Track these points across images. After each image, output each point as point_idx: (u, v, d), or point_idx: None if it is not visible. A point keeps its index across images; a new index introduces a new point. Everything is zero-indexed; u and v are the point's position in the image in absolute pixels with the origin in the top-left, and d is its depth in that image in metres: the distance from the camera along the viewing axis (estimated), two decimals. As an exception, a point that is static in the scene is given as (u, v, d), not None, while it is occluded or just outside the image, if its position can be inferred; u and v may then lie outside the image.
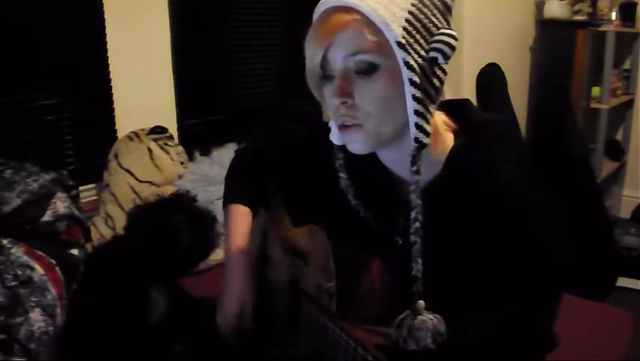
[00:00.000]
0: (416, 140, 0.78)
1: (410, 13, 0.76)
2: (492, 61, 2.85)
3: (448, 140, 0.86)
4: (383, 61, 0.77)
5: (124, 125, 2.05)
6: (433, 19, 0.78)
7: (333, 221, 0.93)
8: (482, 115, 0.89)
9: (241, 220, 1.13)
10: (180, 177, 2.02)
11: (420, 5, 0.77)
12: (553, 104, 3.17)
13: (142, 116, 2.05)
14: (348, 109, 0.79)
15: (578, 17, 3.18)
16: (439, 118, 0.86)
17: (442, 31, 0.77)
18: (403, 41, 0.75)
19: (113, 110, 2.05)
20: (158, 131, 1.99)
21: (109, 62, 2.00)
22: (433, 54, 0.76)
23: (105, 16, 1.97)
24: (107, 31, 1.98)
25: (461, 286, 0.81)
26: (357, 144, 0.82)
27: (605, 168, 3.35)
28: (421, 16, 0.76)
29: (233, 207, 1.14)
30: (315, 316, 0.96)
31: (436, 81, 0.79)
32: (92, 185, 2.01)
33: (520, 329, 0.81)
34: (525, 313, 0.81)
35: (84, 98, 1.98)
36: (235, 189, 1.18)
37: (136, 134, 1.95)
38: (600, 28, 3.08)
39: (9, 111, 1.82)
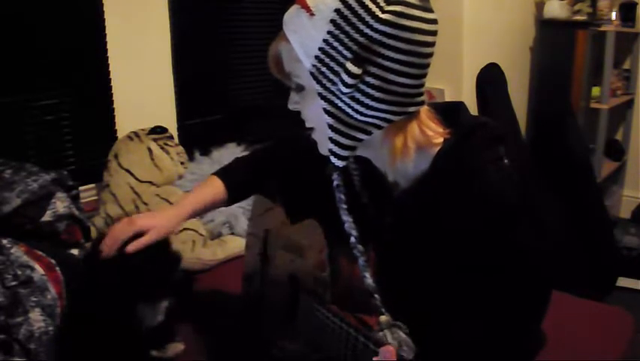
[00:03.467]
0: (332, 163, 0.82)
1: (325, 41, 0.76)
2: (492, 61, 2.85)
3: (430, 145, 0.84)
4: (308, 84, 0.80)
5: (124, 125, 2.05)
6: (346, 49, 0.75)
7: (333, 213, 0.94)
8: (474, 119, 0.88)
9: (206, 186, 1.20)
10: (180, 177, 2.02)
11: (337, 32, 0.75)
12: (553, 104, 3.17)
13: (142, 116, 2.05)
14: (302, 116, 0.87)
15: (578, 17, 3.18)
16: (420, 124, 0.84)
17: (346, 63, 0.75)
18: (314, 71, 0.77)
19: (113, 110, 2.06)
20: (158, 131, 1.99)
21: (109, 62, 2.01)
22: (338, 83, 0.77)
23: (105, 16, 1.97)
24: (106, 31, 1.98)
25: (441, 289, 0.81)
26: (318, 146, 0.87)
27: (605, 168, 3.34)
28: (336, 44, 0.75)
29: (210, 177, 1.22)
30: (312, 307, 0.98)
31: (359, 107, 0.78)
32: (92, 185, 2.01)
33: (503, 333, 0.80)
34: (508, 317, 0.80)
35: (84, 98, 1.99)
36: (226, 168, 1.25)
37: (136, 134, 1.95)
38: (600, 28, 3.08)
39: (9, 111, 1.82)
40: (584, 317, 1.55)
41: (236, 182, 1.21)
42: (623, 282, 2.66)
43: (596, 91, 3.20)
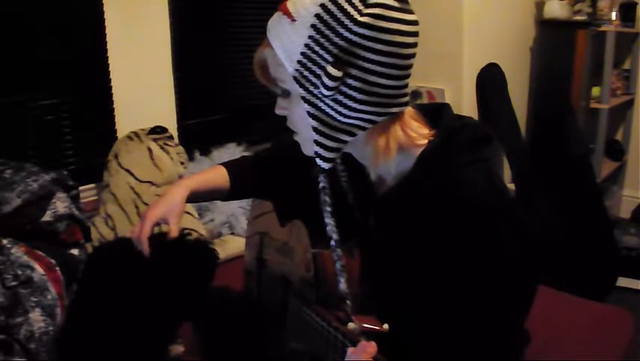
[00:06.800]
0: (318, 165, 0.82)
1: (306, 46, 0.76)
2: (492, 61, 2.85)
3: (413, 146, 0.84)
4: (293, 88, 0.80)
5: (124, 125, 2.05)
6: (327, 53, 0.76)
7: (319, 214, 0.94)
8: (458, 119, 0.88)
9: (210, 172, 1.17)
10: (180, 177, 2.02)
11: (317, 37, 0.76)
12: (553, 104, 3.17)
13: (142, 116, 2.06)
14: (288, 120, 0.87)
15: (578, 17, 3.18)
16: (403, 125, 0.83)
17: (327, 66, 0.75)
18: (297, 75, 0.78)
19: (113, 110, 2.06)
20: (158, 131, 1.99)
21: (109, 62, 2.01)
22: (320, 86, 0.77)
23: (105, 17, 1.97)
24: (107, 32, 1.98)
25: (423, 291, 0.81)
26: (302, 148, 0.88)
27: (605, 168, 3.34)
28: (317, 48, 0.76)
29: (216, 166, 1.19)
30: (300, 308, 0.99)
31: (342, 110, 0.78)
32: (92, 185, 2.01)
33: (484, 335, 0.80)
34: (488, 319, 0.79)
35: (84, 98, 1.99)
36: (232, 161, 1.22)
37: (136, 134, 1.96)
38: (600, 28, 3.08)
39: (9, 111, 1.82)
40: (584, 317, 1.55)
41: (240, 177, 1.19)
42: (623, 282, 2.66)
43: (596, 91, 3.20)
